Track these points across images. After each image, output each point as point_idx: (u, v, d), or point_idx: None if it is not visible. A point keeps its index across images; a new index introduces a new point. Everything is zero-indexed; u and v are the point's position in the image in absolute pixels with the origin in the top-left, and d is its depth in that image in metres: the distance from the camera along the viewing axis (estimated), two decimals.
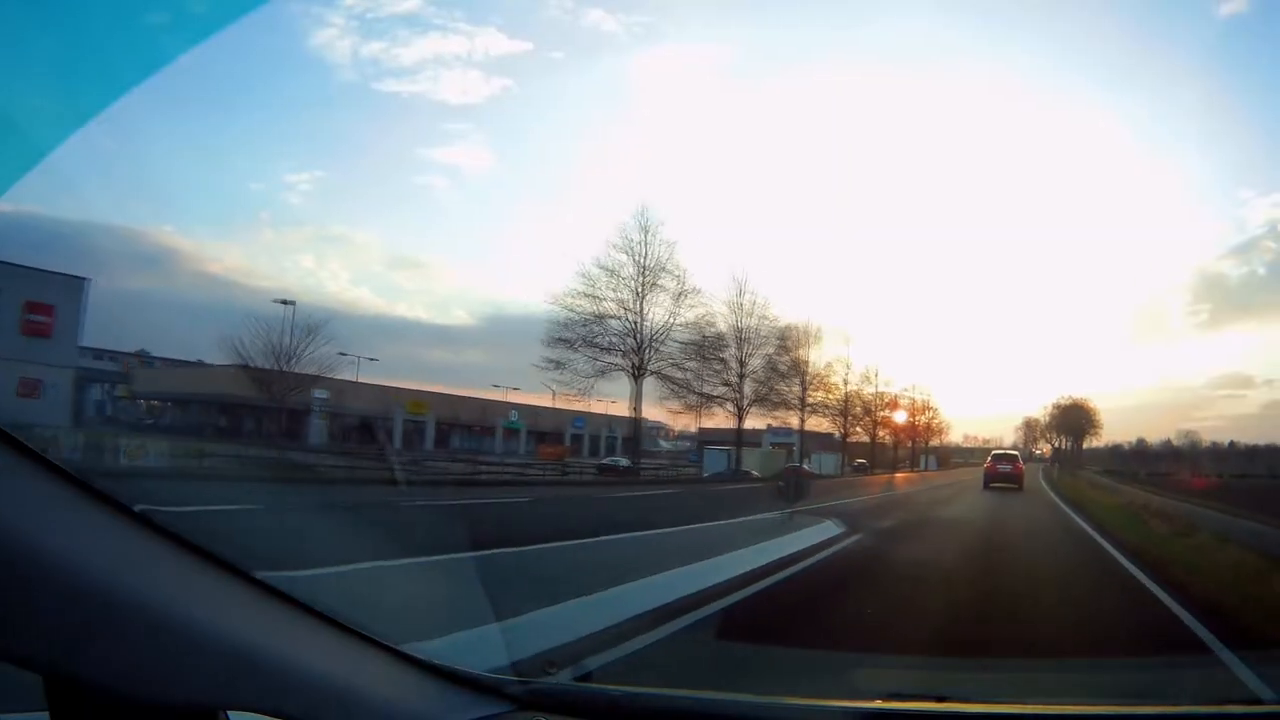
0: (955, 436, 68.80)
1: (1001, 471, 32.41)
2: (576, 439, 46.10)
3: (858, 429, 48.51)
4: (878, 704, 2.35)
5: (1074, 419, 64.47)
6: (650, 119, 60.87)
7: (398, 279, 50.91)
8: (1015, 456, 36.51)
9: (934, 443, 64.00)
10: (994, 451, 38.59)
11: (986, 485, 31.48)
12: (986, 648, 5.80)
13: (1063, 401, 64.20)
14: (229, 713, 1.46)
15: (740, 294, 40.44)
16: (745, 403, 39.10)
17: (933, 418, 60.24)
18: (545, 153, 55.79)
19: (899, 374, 59.65)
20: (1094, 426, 64.05)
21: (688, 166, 64.14)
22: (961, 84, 71.49)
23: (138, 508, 1.34)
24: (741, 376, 40.08)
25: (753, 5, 58.80)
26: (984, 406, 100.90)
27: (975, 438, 70.07)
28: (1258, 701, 3.71)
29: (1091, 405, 63.15)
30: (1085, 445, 63.62)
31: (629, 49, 55.76)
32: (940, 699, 2.32)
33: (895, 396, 53.33)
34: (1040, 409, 70.47)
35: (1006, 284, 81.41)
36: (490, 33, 56.37)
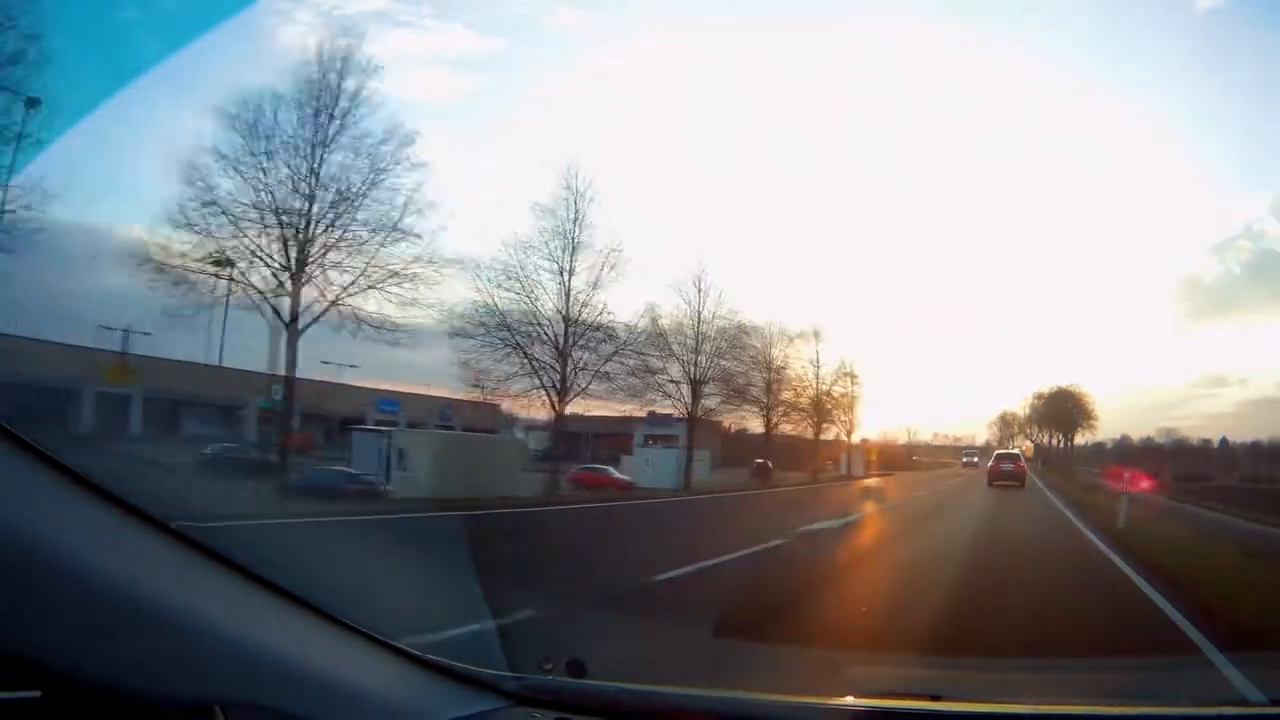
0: (924, 435, 59.58)
1: (1005, 470, 34.67)
2: (383, 424, 33.82)
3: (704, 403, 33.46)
4: (873, 702, 2.45)
5: (1062, 410, 52.49)
6: (619, 115, 56.06)
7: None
8: (1017, 455, 38.87)
9: (865, 436, 50.90)
10: (997, 452, 40.71)
11: (991, 483, 33.49)
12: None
13: (1045, 391, 52.56)
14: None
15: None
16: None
17: (846, 393, 41.29)
18: (514, 151, 51.69)
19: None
20: (1087, 418, 52.24)
21: (657, 161, 58.58)
22: (933, 77, 65.50)
23: (136, 504, 1.37)
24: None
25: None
26: (955, 404, 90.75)
27: (945, 435, 61.51)
28: (1247, 703, 3.83)
29: (1082, 392, 51.40)
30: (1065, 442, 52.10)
31: (598, 46, 56.50)
32: (935, 698, 2.41)
33: (764, 349, 35.33)
34: (1020, 401, 58.84)
35: (978, 281, 73.71)
36: (458, 30, 55.47)
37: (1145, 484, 23.29)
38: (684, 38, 59.81)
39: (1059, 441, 57.74)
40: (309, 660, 1.58)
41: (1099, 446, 55.92)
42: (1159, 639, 7.20)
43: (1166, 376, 64.72)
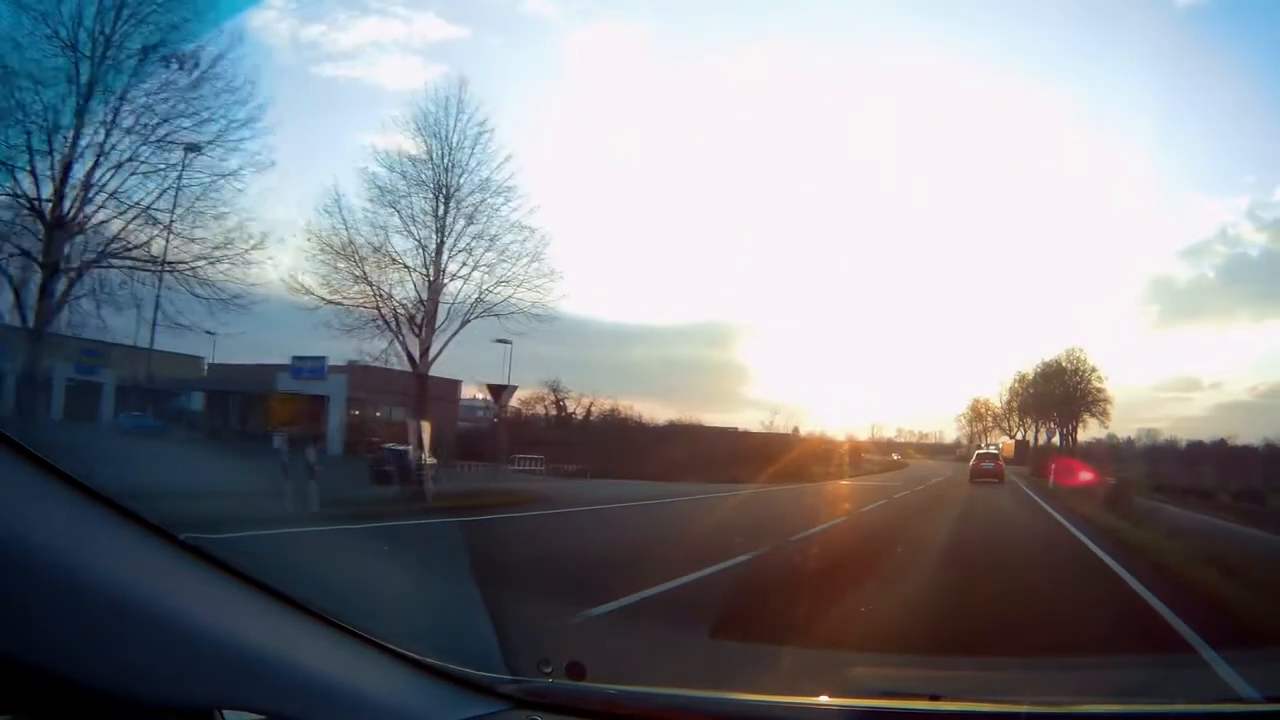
0: (889, 431, 53.52)
1: (985, 468, 35.08)
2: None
3: None
4: (872, 702, 2.42)
5: (1060, 391, 38.18)
6: (588, 102, 59.39)
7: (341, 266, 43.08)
8: (996, 455, 38.19)
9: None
10: (978, 451, 39.68)
11: (972, 480, 33.72)
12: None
13: (1030, 372, 39.34)
14: (224, 712, 1.47)
15: None
16: None
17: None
18: (481, 139, 40.70)
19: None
20: (1098, 404, 37.94)
21: (623, 146, 63.08)
22: (911, 72, 64.73)
23: (134, 510, 1.37)
24: None
25: None
26: (924, 400, 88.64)
27: (911, 431, 55.29)
28: (1242, 700, 3.87)
29: (1089, 365, 37.56)
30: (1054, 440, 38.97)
31: (566, 31, 58.24)
32: (933, 697, 2.38)
33: None
34: (999, 386, 46.03)
35: (951, 278, 72.66)
36: (429, 18, 55.66)
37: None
38: (655, 27, 61.12)
39: (1053, 436, 43.16)
40: (307, 664, 1.57)
41: (1092, 446, 41.44)
42: None
43: (1138, 378, 67.50)
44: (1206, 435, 43.46)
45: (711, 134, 65.22)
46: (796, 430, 43.78)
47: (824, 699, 2.51)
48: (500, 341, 20.65)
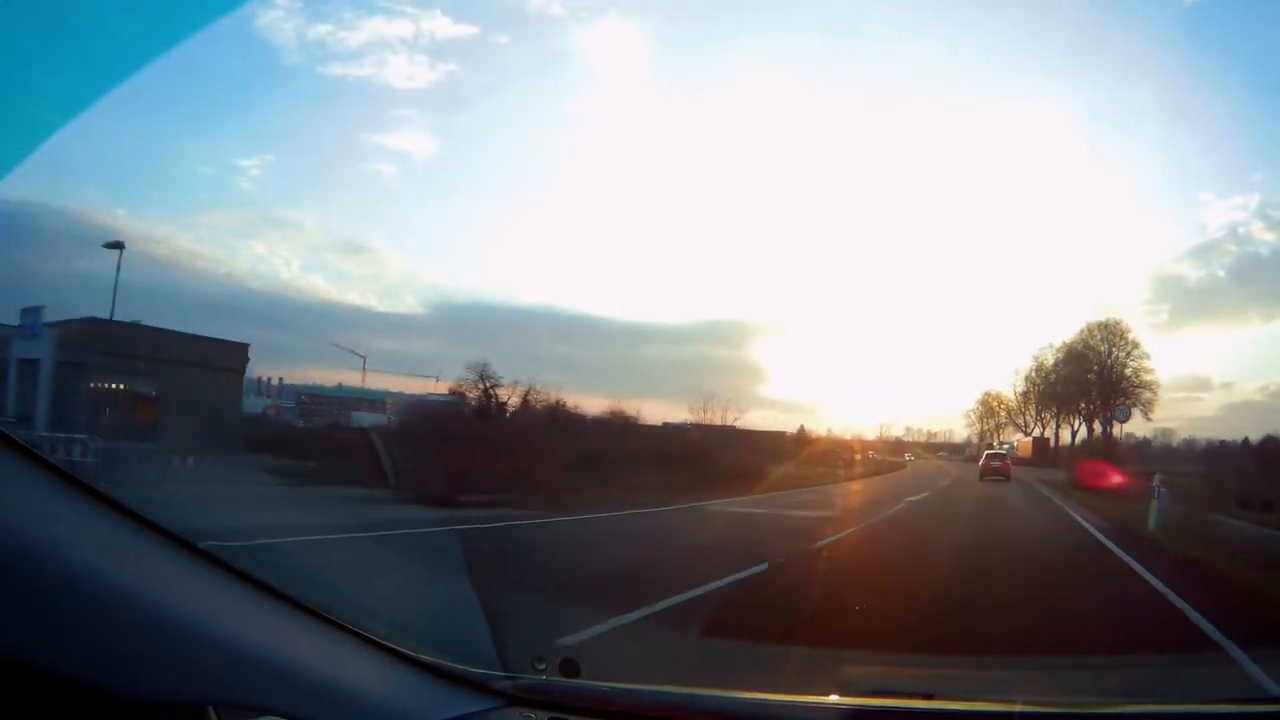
0: (897, 431, 52.30)
1: (994, 467, 34.32)
2: None
3: None
4: (866, 700, 2.41)
5: (1097, 372, 31.24)
6: (595, 99, 58.05)
7: (346, 266, 54.05)
8: (1004, 455, 37.74)
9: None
10: (988, 452, 38.55)
11: (982, 478, 32.96)
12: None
13: (1048, 359, 33.89)
14: (218, 709, 1.48)
15: None
16: None
17: None
18: (489, 138, 56.83)
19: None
20: (1140, 389, 30.94)
21: (632, 144, 59.53)
22: (910, 66, 59.85)
23: (127, 506, 1.36)
24: None
25: None
26: (932, 397, 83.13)
27: (920, 430, 53.75)
28: (1257, 699, 3.82)
29: (1132, 340, 31.06)
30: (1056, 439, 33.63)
31: (575, 29, 56.03)
32: (928, 696, 2.35)
33: None
34: (1015, 375, 43.05)
35: (959, 280, 68.88)
36: (436, 16, 53.31)
37: None
38: (664, 23, 59.54)
39: (1077, 432, 35.44)
40: (302, 660, 1.56)
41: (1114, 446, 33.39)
42: None
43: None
44: (1215, 436, 39.07)
45: (714, 133, 62.42)
46: (803, 429, 41.53)
47: (818, 697, 2.50)
48: (111, 246, 15.94)
